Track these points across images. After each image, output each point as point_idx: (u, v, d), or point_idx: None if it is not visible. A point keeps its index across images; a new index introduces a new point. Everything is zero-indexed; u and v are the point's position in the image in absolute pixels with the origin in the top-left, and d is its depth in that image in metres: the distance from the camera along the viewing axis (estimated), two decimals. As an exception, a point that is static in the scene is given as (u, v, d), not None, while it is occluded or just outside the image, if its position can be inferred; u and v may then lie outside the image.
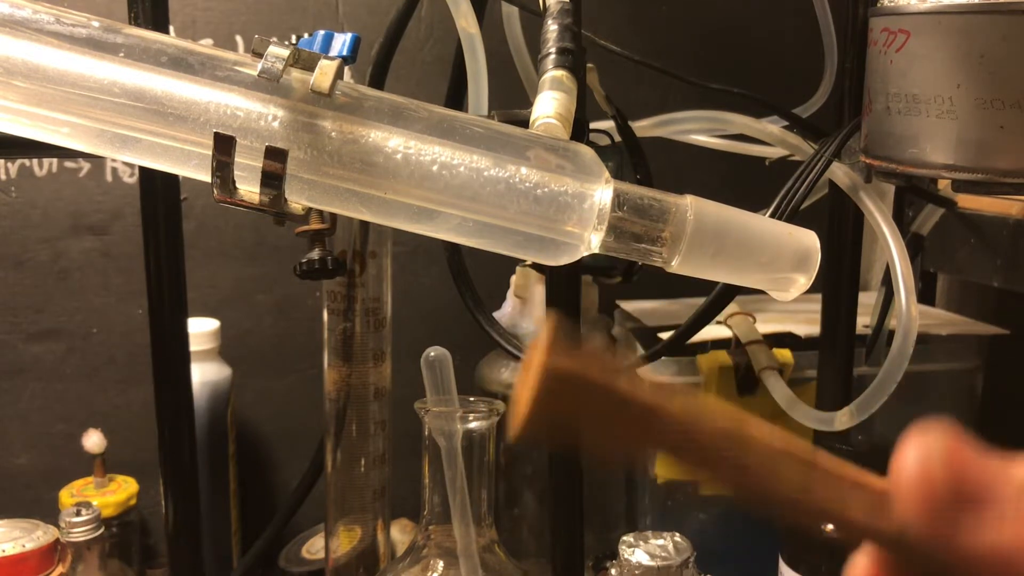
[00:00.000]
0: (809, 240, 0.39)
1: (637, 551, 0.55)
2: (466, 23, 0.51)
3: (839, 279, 0.63)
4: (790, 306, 0.78)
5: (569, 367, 0.17)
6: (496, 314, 0.75)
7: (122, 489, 0.76)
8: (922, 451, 0.19)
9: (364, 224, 0.60)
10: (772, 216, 0.55)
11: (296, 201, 0.38)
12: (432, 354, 0.51)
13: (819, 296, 0.65)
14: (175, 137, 0.37)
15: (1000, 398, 0.81)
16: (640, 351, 0.75)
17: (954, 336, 0.78)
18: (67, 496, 0.75)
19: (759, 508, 0.19)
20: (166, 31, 0.56)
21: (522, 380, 0.17)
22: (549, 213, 0.38)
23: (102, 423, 0.77)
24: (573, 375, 0.17)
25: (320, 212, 0.55)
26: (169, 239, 0.57)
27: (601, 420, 0.17)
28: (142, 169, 0.58)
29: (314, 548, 0.82)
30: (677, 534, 0.57)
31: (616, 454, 0.18)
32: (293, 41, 0.42)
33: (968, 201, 0.75)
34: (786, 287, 0.40)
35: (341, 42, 0.43)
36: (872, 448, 0.61)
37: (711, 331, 0.72)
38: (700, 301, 0.58)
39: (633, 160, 0.68)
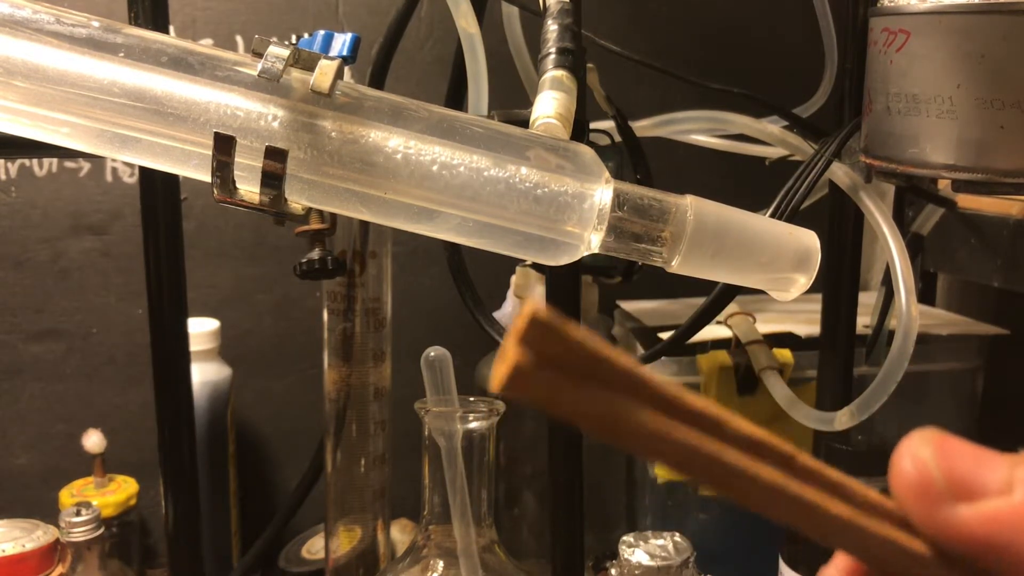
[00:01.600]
0: (809, 240, 0.39)
1: (637, 551, 0.55)
2: (466, 23, 0.51)
3: (839, 279, 0.63)
4: (790, 306, 0.78)
5: (554, 317, 0.17)
6: (496, 314, 0.75)
7: (122, 489, 0.76)
8: (916, 446, 0.21)
9: (364, 224, 0.60)
10: (772, 216, 0.55)
11: (296, 201, 0.38)
12: (432, 354, 0.51)
13: (819, 296, 0.65)
14: (175, 137, 0.37)
15: (1000, 398, 0.81)
16: (640, 351, 0.75)
17: (954, 336, 0.78)
18: (67, 496, 0.74)
19: (737, 502, 0.19)
20: (166, 31, 0.56)
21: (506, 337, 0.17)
22: (549, 213, 0.38)
23: (102, 423, 0.77)
24: (556, 324, 0.17)
25: (320, 212, 0.55)
26: (169, 239, 0.57)
27: (580, 378, 0.17)
28: (142, 169, 0.58)
29: (314, 548, 0.82)
30: (677, 534, 0.57)
31: (592, 419, 0.18)
32: (293, 41, 0.42)
33: (968, 201, 0.75)
34: (786, 287, 0.40)
35: (341, 42, 0.43)
36: (872, 448, 0.61)
37: (711, 331, 0.72)
38: (700, 301, 0.58)
39: (633, 160, 0.68)
